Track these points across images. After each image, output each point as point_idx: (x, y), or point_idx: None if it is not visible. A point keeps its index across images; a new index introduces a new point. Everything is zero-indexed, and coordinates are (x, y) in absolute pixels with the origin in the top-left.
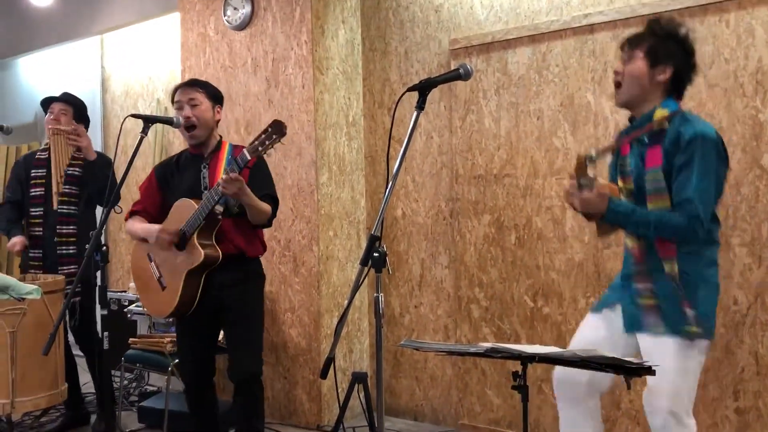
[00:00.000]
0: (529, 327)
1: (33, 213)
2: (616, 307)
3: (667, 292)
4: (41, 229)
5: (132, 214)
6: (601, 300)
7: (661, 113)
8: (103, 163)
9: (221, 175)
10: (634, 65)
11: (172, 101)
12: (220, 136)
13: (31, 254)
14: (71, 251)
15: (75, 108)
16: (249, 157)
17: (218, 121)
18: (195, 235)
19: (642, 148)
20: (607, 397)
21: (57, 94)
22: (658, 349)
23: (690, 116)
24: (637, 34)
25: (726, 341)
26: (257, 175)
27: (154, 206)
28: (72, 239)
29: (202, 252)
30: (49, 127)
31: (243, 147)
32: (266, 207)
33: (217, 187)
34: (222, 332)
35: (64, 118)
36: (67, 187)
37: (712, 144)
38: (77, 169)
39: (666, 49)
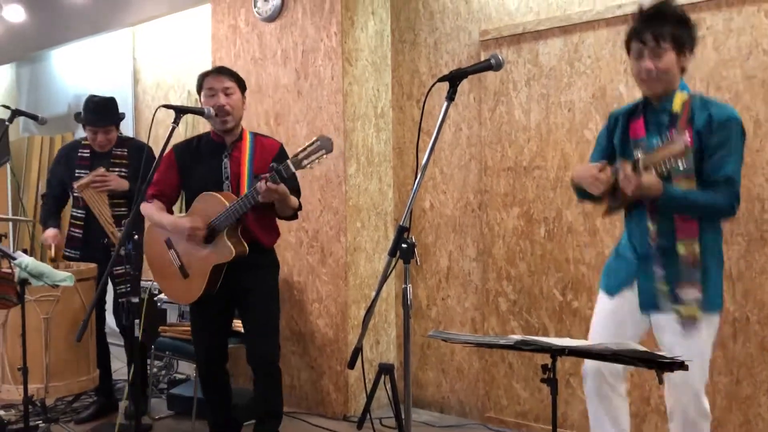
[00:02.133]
0: (558, 321)
1: (75, 214)
2: (633, 285)
3: (678, 276)
4: (81, 231)
5: (152, 197)
6: (616, 278)
7: (680, 97)
8: (146, 159)
9: (261, 183)
10: (667, 60)
11: (200, 88)
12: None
13: (66, 253)
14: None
15: (116, 123)
16: (293, 170)
17: (244, 110)
18: (225, 232)
19: (664, 130)
20: (636, 392)
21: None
22: (671, 327)
23: (707, 98)
24: (657, 24)
25: (761, 338)
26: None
27: (170, 188)
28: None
29: (234, 250)
30: (75, 186)
31: (264, 136)
32: (295, 202)
33: (255, 192)
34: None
35: (109, 136)
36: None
37: (741, 126)
38: (122, 169)
39: (684, 34)
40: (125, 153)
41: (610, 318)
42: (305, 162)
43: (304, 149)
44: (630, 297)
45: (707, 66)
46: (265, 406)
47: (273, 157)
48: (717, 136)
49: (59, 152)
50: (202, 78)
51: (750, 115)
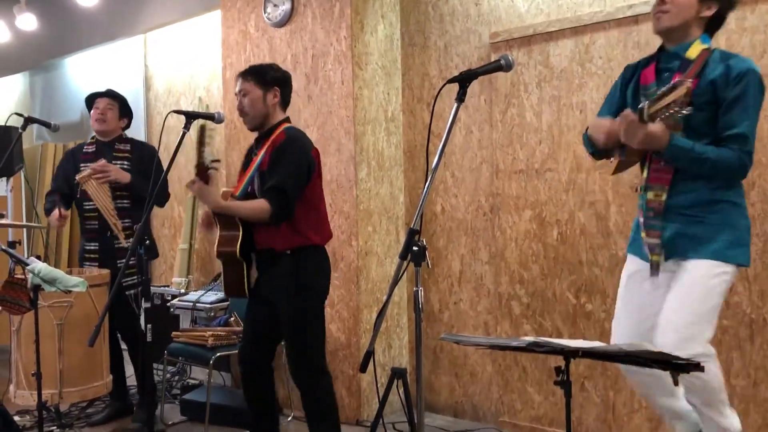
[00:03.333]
0: (572, 324)
1: (86, 207)
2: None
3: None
4: (96, 222)
5: None
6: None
7: (699, 46)
8: (148, 157)
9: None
10: None
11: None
12: (283, 120)
13: (86, 247)
14: (128, 245)
15: (120, 103)
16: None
17: (275, 104)
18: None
19: (668, 77)
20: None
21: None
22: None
23: (730, 53)
24: None
25: None
26: (272, 164)
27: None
28: (128, 232)
29: (215, 248)
30: (77, 179)
31: (294, 134)
32: (250, 207)
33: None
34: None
35: (110, 113)
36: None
37: (761, 81)
38: (125, 162)
39: None
40: (128, 148)
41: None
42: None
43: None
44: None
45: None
46: (309, 425)
47: (271, 155)
48: (734, 89)
49: (66, 152)
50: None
51: (764, 114)
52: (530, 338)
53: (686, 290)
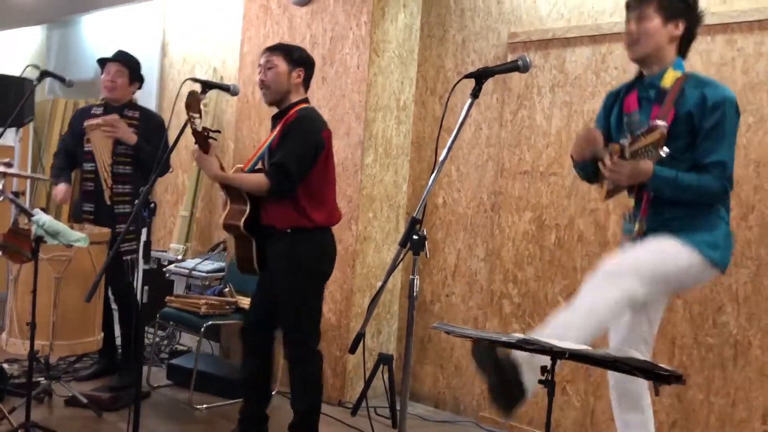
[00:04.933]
0: None
1: (86, 168)
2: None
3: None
4: (93, 184)
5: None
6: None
7: (673, 75)
8: (155, 128)
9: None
10: (648, 23)
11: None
12: (301, 100)
13: (84, 208)
14: (127, 210)
15: (130, 68)
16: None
17: (297, 84)
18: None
19: (649, 106)
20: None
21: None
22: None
23: (705, 78)
24: None
25: (761, 364)
26: (281, 141)
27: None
28: (128, 198)
29: (222, 219)
30: (85, 125)
31: (308, 113)
32: (251, 180)
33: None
34: None
35: (120, 79)
36: (122, 147)
37: (736, 107)
38: (132, 130)
39: (675, 3)
40: (136, 115)
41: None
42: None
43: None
44: None
45: (735, 88)
46: (292, 399)
47: (282, 132)
48: (710, 118)
49: (77, 110)
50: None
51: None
52: (520, 335)
53: (645, 245)
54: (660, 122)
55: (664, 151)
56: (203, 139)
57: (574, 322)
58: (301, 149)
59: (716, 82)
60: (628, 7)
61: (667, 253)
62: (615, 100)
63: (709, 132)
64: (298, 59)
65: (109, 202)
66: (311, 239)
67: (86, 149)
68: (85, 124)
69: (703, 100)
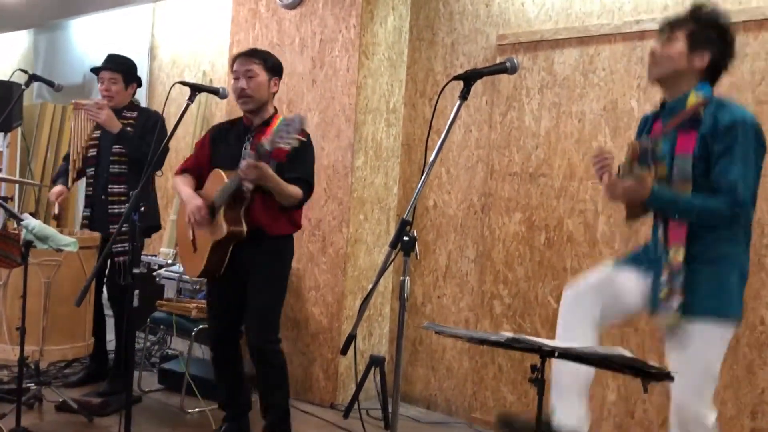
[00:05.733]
0: (550, 328)
1: (88, 173)
2: (646, 277)
3: (666, 283)
4: (92, 189)
5: (182, 171)
6: (635, 259)
7: (695, 98)
8: (151, 124)
9: (242, 160)
10: (673, 47)
11: (231, 71)
12: (275, 109)
13: (83, 213)
14: (122, 210)
15: (123, 73)
16: (268, 149)
17: (274, 93)
18: (222, 210)
19: (674, 133)
20: (621, 405)
21: (104, 59)
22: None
23: (726, 102)
24: (680, 17)
25: (749, 361)
26: (294, 157)
27: (201, 165)
28: (122, 198)
29: (225, 229)
30: (72, 102)
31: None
32: (292, 191)
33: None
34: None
35: (114, 87)
36: (117, 147)
37: (751, 129)
38: (128, 128)
39: (707, 35)
40: (134, 116)
41: (614, 274)
42: (278, 140)
43: (279, 129)
44: (636, 278)
45: (718, 89)
46: (263, 394)
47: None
48: (721, 142)
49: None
50: (233, 61)
51: None
52: (509, 334)
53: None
54: (636, 140)
55: (641, 167)
56: (266, 156)
57: None
58: (312, 163)
59: (733, 106)
60: (661, 31)
61: (712, 360)
62: (645, 124)
63: (720, 156)
64: (273, 67)
65: (107, 172)
66: (289, 242)
67: (90, 154)
68: (72, 102)
69: (715, 123)
